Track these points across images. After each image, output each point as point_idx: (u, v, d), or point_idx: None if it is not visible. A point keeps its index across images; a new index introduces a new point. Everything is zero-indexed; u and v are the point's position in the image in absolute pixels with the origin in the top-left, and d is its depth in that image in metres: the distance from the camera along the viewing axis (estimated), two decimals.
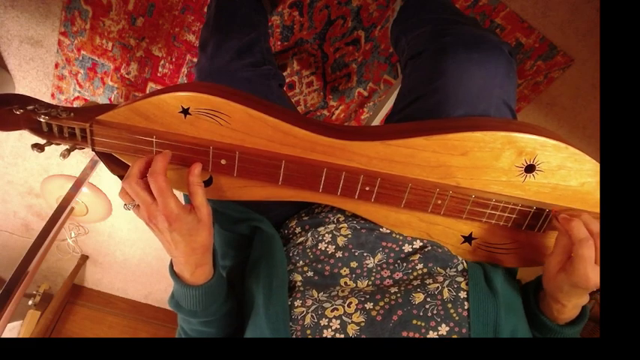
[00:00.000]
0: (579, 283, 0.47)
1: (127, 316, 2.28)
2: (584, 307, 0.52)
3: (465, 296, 0.48)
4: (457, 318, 0.46)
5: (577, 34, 1.08)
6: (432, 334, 0.45)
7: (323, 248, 0.57)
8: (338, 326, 0.48)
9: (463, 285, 0.50)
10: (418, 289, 0.49)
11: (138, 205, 0.50)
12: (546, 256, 0.53)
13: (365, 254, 0.55)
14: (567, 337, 0.52)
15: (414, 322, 0.46)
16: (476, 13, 1.08)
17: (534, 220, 0.54)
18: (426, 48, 0.64)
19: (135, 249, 2.02)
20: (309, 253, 0.58)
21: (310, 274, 0.56)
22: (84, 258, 2.10)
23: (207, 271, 0.54)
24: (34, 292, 2.06)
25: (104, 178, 1.69)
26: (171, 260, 0.55)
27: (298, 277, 0.56)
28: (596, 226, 0.48)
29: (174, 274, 0.54)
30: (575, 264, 0.47)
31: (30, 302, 2.00)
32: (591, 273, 0.46)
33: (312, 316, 0.49)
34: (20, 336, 1.89)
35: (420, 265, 0.54)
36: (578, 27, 1.07)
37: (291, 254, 0.59)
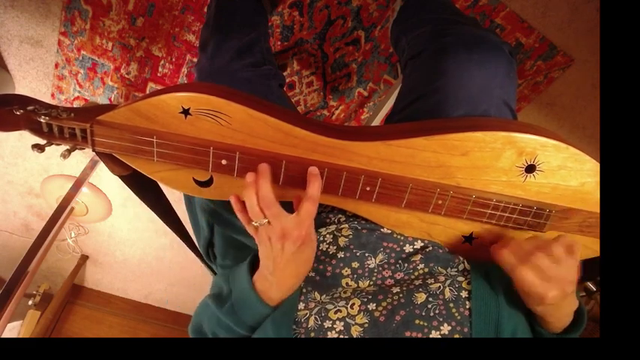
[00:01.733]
0: (538, 302, 0.47)
1: (127, 316, 2.28)
2: (579, 311, 0.51)
3: (467, 296, 0.48)
4: (459, 317, 0.46)
5: (577, 34, 1.08)
6: (434, 334, 0.45)
7: (324, 249, 0.57)
8: (342, 328, 0.48)
9: (464, 284, 0.50)
10: (420, 289, 0.49)
11: (269, 222, 0.48)
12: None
13: (366, 254, 0.55)
14: None
15: (417, 322, 0.46)
16: (476, 13, 1.08)
17: (535, 220, 0.54)
18: (426, 48, 0.65)
19: (135, 249, 2.02)
20: None
21: (312, 274, 0.56)
22: (84, 258, 2.11)
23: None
24: (34, 292, 2.06)
25: (104, 178, 1.69)
26: (250, 279, 0.52)
27: None
28: (528, 245, 0.48)
29: (254, 292, 0.52)
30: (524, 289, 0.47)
31: (30, 302, 2.00)
32: (543, 290, 0.45)
33: (315, 318, 0.49)
34: (20, 336, 1.89)
35: (422, 265, 0.54)
36: (578, 27, 1.07)
37: None
